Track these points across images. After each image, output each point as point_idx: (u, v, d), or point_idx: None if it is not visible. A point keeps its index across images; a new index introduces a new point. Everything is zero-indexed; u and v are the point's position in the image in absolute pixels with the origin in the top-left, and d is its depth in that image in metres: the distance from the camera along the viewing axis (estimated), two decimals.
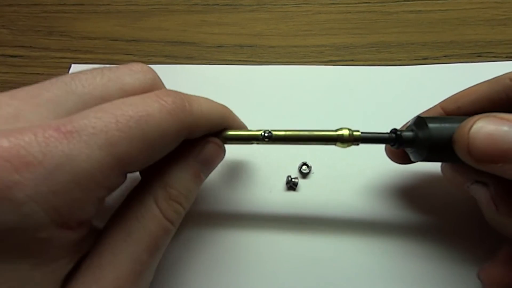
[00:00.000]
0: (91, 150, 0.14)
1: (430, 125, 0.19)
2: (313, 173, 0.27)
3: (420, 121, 0.20)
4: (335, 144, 0.21)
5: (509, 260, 0.19)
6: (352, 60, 0.33)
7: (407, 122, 0.23)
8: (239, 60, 0.34)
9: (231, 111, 0.22)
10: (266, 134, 0.20)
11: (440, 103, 0.22)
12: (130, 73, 0.18)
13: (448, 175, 0.23)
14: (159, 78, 0.19)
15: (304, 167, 0.26)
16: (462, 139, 0.17)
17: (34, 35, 0.37)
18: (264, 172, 0.27)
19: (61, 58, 0.35)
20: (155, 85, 0.18)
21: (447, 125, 0.19)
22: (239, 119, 0.23)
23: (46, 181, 0.13)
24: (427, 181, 0.26)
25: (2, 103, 0.15)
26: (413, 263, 0.23)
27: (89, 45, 0.36)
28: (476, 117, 0.17)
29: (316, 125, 0.29)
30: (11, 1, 0.39)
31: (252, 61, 0.34)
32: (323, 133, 0.21)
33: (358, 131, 0.21)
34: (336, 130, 0.21)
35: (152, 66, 0.33)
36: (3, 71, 0.35)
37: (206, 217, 0.25)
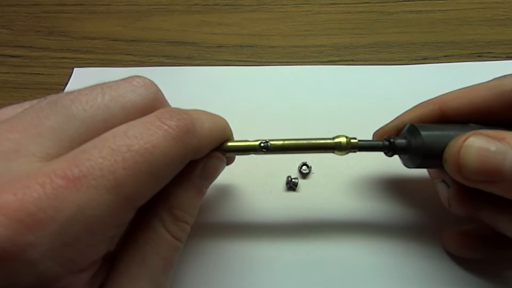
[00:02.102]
0: (100, 195, 0.13)
1: (423, 133, 0.19)
2: (313, 173, 0.27)
3: (413, 129, 0.20)
4: (333, 152, 0.21)
5: (471, 233, 0.22)
6: (352, 60, 0.33)
7: (389, 123, 0.23)
8: (239, 60, 0.34)
9: (227, 121, 0.21)
10: (263, 145, 0.20)
11: (439, 98, 0.22)
12: (131, 89, 0.17)
13: (429, 171, 0.25)
14: (160, 91, 0.19)
15: (304, 167, 0.26)
16: (452, 160, 0.18)
17: (34, 35, 0.37)
18: (264, 172, 0.27)
19: (61, 58, 0.35)
20: (157, 99, 0.18)
21: (439, 133, 0.19)
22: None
23: (60, 236, 0.13)
24: (427, 181, 0.26)
25: (2, 137, 0.14)
26: (414, 262, 0.23)
27: (89, 45, 0.36)
28: (465, 135, 0.18)
29: (316, 125, 0.29)
30: (11, 1, 0.39)
31: (252, 61, 0.34)
32: (320, 141, 0.21)
33: (355, 138, 0.21)
34: (334, 138, 0.21)
35: (152, 67, 0.34)
36: (3, 71, 0.35)
37: (205, 217, 0.25)
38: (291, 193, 0.26)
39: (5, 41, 0.37)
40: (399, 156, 0.22)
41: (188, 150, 0.16)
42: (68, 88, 0.33)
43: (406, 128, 0.21)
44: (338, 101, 0.30)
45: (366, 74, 0.32)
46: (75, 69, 0.34)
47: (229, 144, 0.21)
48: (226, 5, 0.38)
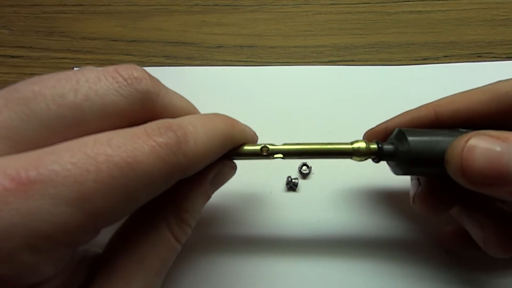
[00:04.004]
0: (55, 207, 0.11)
1: (410, 139, 0.18)
2: (313, 173, 0.27)
3: (400, 134, 0.19)
4: (351, 158, 0.20)
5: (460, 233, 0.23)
6: (352, 60, 0.33)
7: (380, 124, 0.23)
8: (239, 61, 0.34)
9: (233, 123, 0.19)
10: (274, 149, 0.20)
11: (434, 103, 0.22)
12: (115, 87, 0.15)
13: None
14: (157, 86, 0.16)
15: (304, 167, 0.26)
16: (455, 161, 0.16)
17: (34, 36, 0.37)
18: (264, 172, 0.27)
19: (62, 58, 0.35)
20: (148, 99, 0.16)
21: (427, 138, 0.18)
22: (242, 126, 0.21)
23: None
24: None
25: None
26: (413, 261, 0.23)
27: (89, 46, 0.36)
28: (467, 136, 0.17)
29: (316, 125, 0.29)
30: (11, 2, 0.39)
31: (252, 61, 0.34)
32: (338, 146, 0.20)
33: (374, 143, 0.20)
34: (352, 143, 0.20)
35: (152, 67, 0.34)
36: (4, 71, 0.35)
37: (204, 216, 0.25)
38: (291, 193, 0.26)
39: (5, 41, 0.37)
40: (387, 163, 0.21)
41: (174, 171, 0.14)
42: None
43: (394, 133, 0.20)
44: (338, 101, 0.30)
45: (366, 74, 0.32)
46: (75, 69, 0.34)
47: (240, 149, 0.20)
48: (226, 5, 0.38)
